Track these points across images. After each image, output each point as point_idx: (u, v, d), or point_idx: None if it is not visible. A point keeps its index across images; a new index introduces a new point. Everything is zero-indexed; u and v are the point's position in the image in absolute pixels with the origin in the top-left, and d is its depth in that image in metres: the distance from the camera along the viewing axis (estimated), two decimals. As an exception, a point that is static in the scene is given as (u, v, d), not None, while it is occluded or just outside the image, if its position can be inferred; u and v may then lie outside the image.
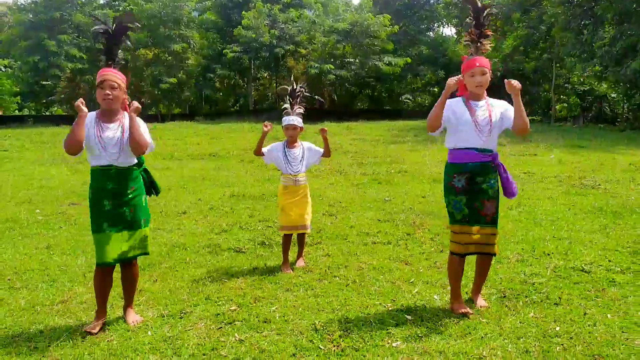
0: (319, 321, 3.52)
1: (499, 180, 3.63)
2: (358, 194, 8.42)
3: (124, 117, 3.50)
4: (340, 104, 36.87)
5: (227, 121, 28.39)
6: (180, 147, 16.36)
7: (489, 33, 3.65)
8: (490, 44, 3.68)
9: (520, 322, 3.44)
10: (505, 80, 3.51)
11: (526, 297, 3.87)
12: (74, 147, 3.29)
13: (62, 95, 34.23)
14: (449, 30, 45.18)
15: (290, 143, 4.82)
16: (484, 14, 3.63)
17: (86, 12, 33.16)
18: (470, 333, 3.30)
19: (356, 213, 7.00)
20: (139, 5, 32.43)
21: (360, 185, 9.35)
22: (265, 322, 3.55)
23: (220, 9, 37.85)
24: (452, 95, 3.66)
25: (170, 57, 34.43)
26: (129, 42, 3.70)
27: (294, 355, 3.08)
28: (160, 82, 32.82)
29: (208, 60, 36.15)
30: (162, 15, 33.08)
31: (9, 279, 4.54)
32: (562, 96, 38.53)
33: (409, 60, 34.81)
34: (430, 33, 42.91)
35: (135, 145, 3.40)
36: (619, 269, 4.43)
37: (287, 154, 4.77)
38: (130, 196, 3.47)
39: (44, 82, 33.17)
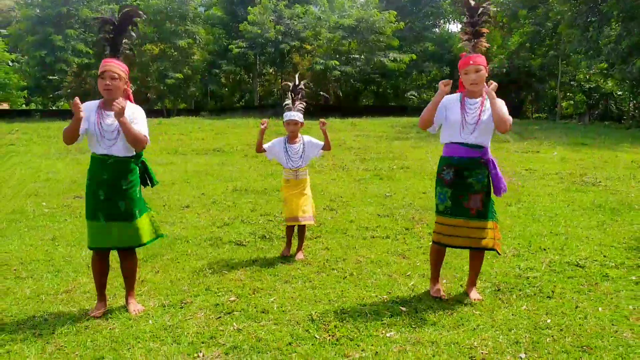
0: (316, 312, 3.61)
1: (489, 175, 3.71)
2: (359, 190, 8.50)
3: (126, 106, 3.59)
4: (345, 100, 36.92)
5: (232, 117, 28.50)
6: (185, 142, 16.47)
7: (484, 31, 3.72)
8: (486, 41, 3.74)
9: (512, 315, 3.51)
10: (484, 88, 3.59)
11: (520, 290, 3.95)
12: (69, 140, 3.47)
13: (69, 90, 34.38)
14: (454, 27, 44.98)
15: (291, 138, 4.92)
16: (479, 13, 3.70)
17: (93, 7, 33.28)
18: (462, 324, 3.38)
19: (357, 208, 7.08)
20: (145, 1, 32.52)
21: (362, 180, 9.42)
22: (263, 312, 3.64)
23: (226, 5, 37.93)
24: (453, 91, 3.77)
25: (176, 53, 34.54)
26: (133, 34, 3.78)
27: (290, 344, 3.16)
28: (166, 77, 32.95)
29: (214, 56, 36.26)
30: (168, 10, 33.18)
31: (15, 269, 4.65)
32: (568, 93, 38.42)
33: (414, 56, 34.77)
34: (436, 29, 42.83)
35: (132, 143, 3.47)
36: (613, 264, 4.49)
37: (287, 149, 4.88)
38: (124, 188, 3.54)
39: (50, 77, 33.35)
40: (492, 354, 2.98)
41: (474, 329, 3.31)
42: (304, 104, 5.05)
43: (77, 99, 3.35)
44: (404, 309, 3.65)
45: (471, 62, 3.59)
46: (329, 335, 3.25)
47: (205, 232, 5.89)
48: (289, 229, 5.03)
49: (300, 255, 4.92)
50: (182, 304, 3.80)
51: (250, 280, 4.29)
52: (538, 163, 11.16)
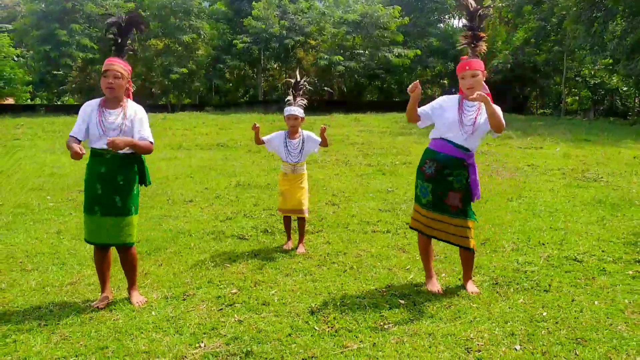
0: (316, 304, 3.68)
1: (468, 178, 3.76)
2: (362, 185, 8.55)
3: (127, 104, 3.66)
4: (350, 96, 36.91)
5: (237, 112, 28.55)
6: (189, 137, 16.53)
7: (483, 35, 3.76)
8: (485, 45, 3.78)
9: (509, 308, 3.56)
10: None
11: (517, 284, 4.00)
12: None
13: (74, 85, 34.53)
14: (459, 22, 44.83)
15: (291, 133, 5.00)
16: (477, 15, 3.74)
17: (97, 3, 33.32)
18: (459, 317, 3.44)
19: (358, 203, 7.13)
20: (150, -4, 32.59)
21: (365, 176, 9.47)
22: (264, 304, 3.70)
23: (230, 0, 37.92)
24: (454, 93, 3.85)
25: (180, 48, 34.57)
26: (136, 37, 3.87)
27: (289, 335, 3.23)
28: (170, 72, 32.98)
29: (218, 51, 36.25)
30: (173, 5, 33.17)
31: (20, 262, 4.73)
32: (573, 89, 38.31)
33: (418, 52, 34.69)
34: (441, 25, 42.69)
35: (143, 154, 3.68)
36: (611, 258, 4.53)
37: (287, 144, 4.96)
38: (121, 183, 3.61)
39: (55, 72, 33.44)
40: (488, 345, 3.04)
41: (471, 321, 3.37)
42: (305, 99, 5.12)
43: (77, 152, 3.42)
44: (402, 301, 3.71)
45: (467, 67, 3.64)
46: (328, 327, 3.31)
47: (208, 226, 5.96)
48: (287, 221, 5.17)
49: (301, 249, 4.99)
50: (185, 296, 3.87)
51: (252, 273, 4.36)
52: (541, 159, 11.17)
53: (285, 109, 5.01)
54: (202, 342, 3.14)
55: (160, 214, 6.59)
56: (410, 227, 4.05)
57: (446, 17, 43.33)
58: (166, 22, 33.09)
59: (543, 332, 3.20)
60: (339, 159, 11.58)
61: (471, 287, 3.91)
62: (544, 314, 3.45)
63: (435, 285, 3.92)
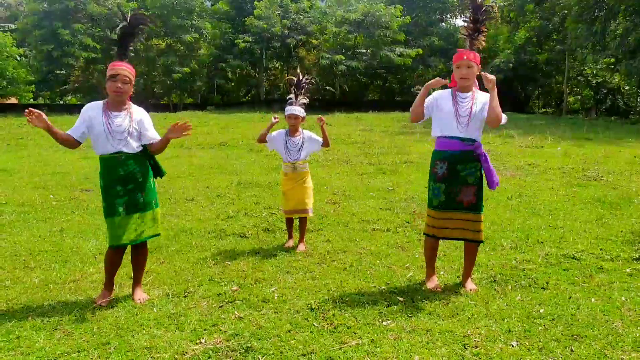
0: (315, 301, 3.71)
1: (481, 169, 3.79)
2: (362, 183, 8.59)
3: (131, 107, 3.71)
4: (351, 95, 36.94)
5: (239, 111, 28.60)
6: (191, 136, 16.55)
7: (484, 29, 3.80)
8: (484, 39, 3.82)
9: (506, 305, 3.60)
10: (482, 73, 3.66)
11: (515, 282, 4.03)
12: (69, 146, 3.70)
13: (76, 84, 34.64)
14: (461, 21, 44.82)
15: (292, 132, 5.03)
16: (482, 10, 3.79)
17: (100, 2, 33.40)
18: (457, 314, 3.47)
19: (359, 201, 7.17)
20: (152, -5, 32.67)
21: (365, 175, 9.51)
22: (264, 301, 3.74)
23: (232, -1, 38.02)
24: (445, 86, 3.87)
25: (182, 47, 34.68)
26: (142, 39, 3.92)
27: (289, 331, 3.27)
28: (172, 71, 33.09)
29: (220, 50, 36.35)
30: (175, 5, 33.27)
31: (24, 259, 4.77)
32: (575, 88, 38.28)
33: (420, 51, 34.76)
34: (442, 24, 42.72)
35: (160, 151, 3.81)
36: (609, 256, 4.57)
37: (287, 142, 5.00)
38: (140, 180, 3.69)
39: (58, 72, 33.54)
40: (485, 341, 3.08)
41: (469, 318, 3.41)
42: (307, 98, 5.15)
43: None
44: (401, 299, 3.74)
45: (464, 57, 3.68)
46: (327, 324, 3.35)
47: (210, 225, 6.00)
48: (289, 221, 5.19)
49: (302, 247, 5.03)
50: (186, 293, 3.92)
51: (252, 271, 4.40)
52: (541, 158, 11.20)
53: (286, 108, 5.04)
54: (203, 338, 3.18)
55: (163, 212, 6.61)
56: (425, 234, 3.97)
57: (448, 16, 43.37)
58: (168, 22, 33.17)
59: (540, 328, 3.23)
60: (340, 157, 11.61)
61: (470, 284, 3.94)
62: (541, 311, 3.49)
63: (434, 282, 3.96)
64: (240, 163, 11.12)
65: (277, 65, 41.18)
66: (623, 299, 3.66)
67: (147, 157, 3.83)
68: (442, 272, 4.29)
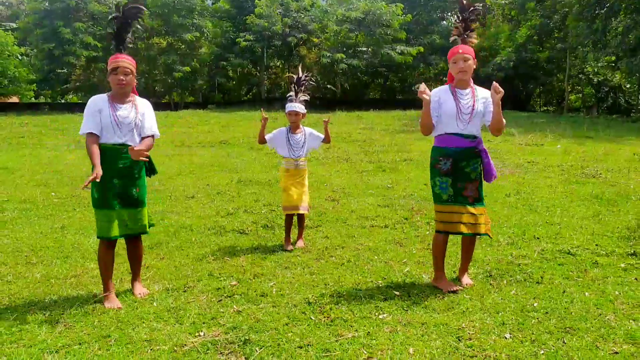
0: (313, 295, 3.77)
1: (482, 163, 3.83)
2: (362, 181, 8.64)
3: (135, 99, 3.76)
4: (352, 93, 36.94)
5: (240, 109, 28.66)
6: (192, 134, 16.66)
7: (474, 27, 3.85)
8: (476, 37, 3.87)
9: (501, 299, 3.65)
10: (493, 84, 3.65)
11: (510, 276, 4.08)
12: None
13: (77, 83, 34.71)
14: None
15: (293, 129, 5.08)
16: (470, 10, 3.84)
17: (101, 1, 33.45)
18: (453, 307, 3.53)
19: (358, 199, 7.22)
20: (153, -6, 32.68)
21: (365, 172, 9.56)
22: (262, 295, 3.80)
23: (233, -3, 38.03)
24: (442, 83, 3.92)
25: (183, 46, 34.70)
26: (139, 27, 3.93)
27: (287, 324, 3.32)
28: (173, 70, 33.12)
29: (221, 49, 36.36)
30: (176, 3, 33.30)
31: (26, 255, 4.84)
32: (576, 86, 38.27)
33: (421, 49, 34.73)
34: (443, 22, 42.68)
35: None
36: (604, 252, 4.61)
37: (290, 139, 5.04)
38: (136, 175, 3.73)
39: (59, 70, 33.61)
40: (479, 334, 3.13)
41: (463, 311, 3.46)
42: (307, 95, 5.20)
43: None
44: (397, 293, 3.80)
45: (460, 50, 3.73)
46: (324, 317, 3.41)
47: (209, 221, 6.06)
48: (289, 219, 5.11)
49: (300, 243, 5.08)
50: (185, 288, 3.97)
51: (251, 266, 4.46)
52: (541, 155, 11.24)
53: (287, 105, 5.09)
54: (202, 331, 3.23)
55: (163, 209, 6.70)
56: (438, 232, 3.89)
57: (449, 14, 43.27)
58: (169, 21, 33.20)
59: (533, 321, 3.28)
60: (340, 155, 11.67)
61: (466, 279, 3.99)
62: (535, 304, 3.53)
63: (452, 285, 3.84)
64: (241, 161, 11.18)
65: (278, 63, 41.19)
66: (616, 293, 3.71)
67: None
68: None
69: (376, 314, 3.45)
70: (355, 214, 6.35)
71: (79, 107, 28.46)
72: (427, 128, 3.83)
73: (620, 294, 3.69)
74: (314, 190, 7.65)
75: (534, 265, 4.33)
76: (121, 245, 4.06)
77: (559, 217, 5.92)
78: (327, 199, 7.20)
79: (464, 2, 3.87)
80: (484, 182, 3.94)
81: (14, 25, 36.31)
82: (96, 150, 3.54)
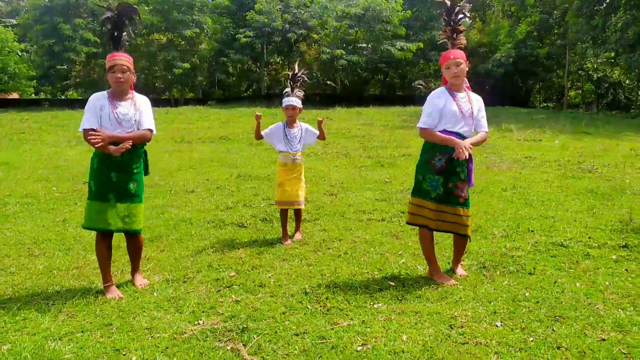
0: (310, 286, 3.85)
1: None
2: (360, 176, 8.72)
3: (134, 95, 3.83)
4: (352, 90, 36.99)
5: (240, 106, 28.71)
6: (192, 130, 16.73)
7: (462, 29, 3.92)
8: (464, 38, 3.94)
9: (493, 289, 3.73)
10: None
11: (504, 267, 4.16)
12: None
13: (77, 79, 34.75)
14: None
15: (289, 123, 5.16)
16: (456, 12, 3.90)
17: (100, -3, 33.48)
18: (446, 297, 3.61)
19: (356, 193, 7.30)
20: (152, -10, 32.70)
21: (363, 167, 9.64)
22: (260, 286, 3.89)
23: (232, -7, 38.02)
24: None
25: (183, 42, 34.72)
26: (133, 26, 3.98)
27: (284, 313, 3.41)
28: (173, 67, 33.15)
29: (221, 45, 36.39)
30: (175, 0, 33.30)
31: (28, 248, 4.92)
32: (576, 83, 38.30)
33: (421, 45, 34.74)
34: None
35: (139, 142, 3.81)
36: (596, 244, 4.69)
37: (286, 133, 5.12)
38: (135, 171, 3.80)
39: (59, 67, 33.64)
40: (471, 322, 3.21)
41: (456, 301, 3.54)
42: (303, 91, 5.28)
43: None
44: (392, 283, 3.88)
45: (451, 56, 3.80)
46: (321, 306, 3.49)
47: (209, 215, 6.14)
48: (284, 214, 5.17)
49: (298, 236, 5.17)
50: (185, 279, 4.06)
51: (250, 258, 4.54)
52: (538, 151, 11.31)
53: (284, 99, 5.18)
54: (201, 319, 3.32)
55: (163, 203, 6.78)
56: (410, 224, 4.02)
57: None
58: (169, 17, 33.21)
59: (524, 310, 3.37)
60: (339, 151, 11.74)
61: (460, 270, 4.08)
62: (527, 294, 3.62)
63: (447, 278, 3.92)
64: (241, 156, 11.25)
65: (278, 59, 41.21)
66: (607, 283, 3.79)
67: (143, 151, 3.93)
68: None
69: (371, 303, 3.53)
70: (353, 207, 6.43)
71: (79, 104, 28.50)
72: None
73: (610, 284, 3.77)
74: (312, 185, 7.74)
75: (527, 257, 4.41)
76: (122, 238, 4.13)
77: (553, 210, 6.00)
78: (326, 193, 7.28)
79: (448, 3, 3.92)
80: (479, 177, 4.01)
81: (14, 21, 36.29)
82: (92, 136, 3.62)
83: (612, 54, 26.48)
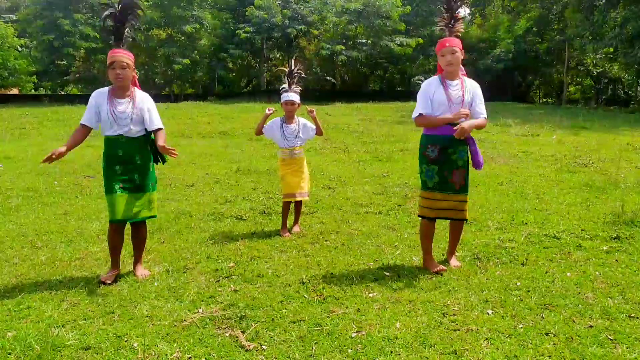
0: (307, 276, 3.94)
1: (469, 151, 3.98)
2: (358, 170, 8.80)
3: (134, 92, 3.91)
4: (352, 85, 37.03)
5: (239, 101, 28.77)
6: (192, 126, 16.80)
7: (460, 17, 3.99)
8: (462, 26, 4.01)
9: (486, 279, 3.82)
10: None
11: (497, 258, 4.25)
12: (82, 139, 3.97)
13: (77, 75, 34.79)
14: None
15: (288, 119, 5.23)
16: (455, 0, 3.98)
17: (100, -8, 33.47)
18: (439, 287, 3.70)
19: (353, 187, 7.39)
20: (152, -15, 32.72)
21: (362, 162, 9.72)
22: (258, 276, 3.97)
23: (232, -11, 38.02)
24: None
25: (183, 38, 34.75)
26: (135, 22, 4.05)
27: (281, 302, 3.50)
28: (173, 62, 33.21)
29: (221, 41, 36.42)
30: (175, -5, 33.34)
31: (30, 240, 5.01)
32: (576, 78, 38.33)
33: (421, 40, 34.76)
34: (443, 14, 42.61)
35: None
36: (588, 236, 4.78)
37: (284, 129, 5.19)
38: (139, 162, 3.90)
39: (59, 62, 33.68)
40: (463, 310, 3.30)
41: (450, 290, 3.63)
42: (299, 87, 5.36)
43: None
44: (387, 274, 3.97)
45: (447, 44, 3.87)
46: (317, 295, 3.58)
47: (208, 208, 6.22)
48: (286, 206, 5.27)
49: (296, 228, 5.26)
50: (185, 269, 4.15)
51: (249, 250, 4.63)
52: (536, 146, 11.39)
53: (283, 95, 5.24)
54: (200, 308, 3.41)
55: (163, 197, 6.86)
56: (422, 217, 4.09)
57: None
58: (168, 12, 33.23)
59: (515, 299, 3.46)
60: (338, 146, 11.83)
61: (454, 261, 4.17)
62: (518, 283, 3.71)
63: (437, 265, 4.04)
64: (240, 151, 11.33)
65: (277, 55, 41.26)
66: (597, 273, 3.88)
67: (149, 142, 4.03)
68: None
69: (366, 292, 3.63)
70: (351, 201, 6.51)
71: (79, 99, 28.60)
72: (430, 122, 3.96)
73: (600, 274, 3.86)
74: (311, 179, 7.76)
75: (520, 248, 4.50)
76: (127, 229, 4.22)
77: (548, 203, 6.09)
78: (324, 187, 7.37)
79: None
80: (476, 171, 4.08)
81: (14, 17, 36.34)
82: (74, 137, 3.89)
83: (612, 50, 26.51)
